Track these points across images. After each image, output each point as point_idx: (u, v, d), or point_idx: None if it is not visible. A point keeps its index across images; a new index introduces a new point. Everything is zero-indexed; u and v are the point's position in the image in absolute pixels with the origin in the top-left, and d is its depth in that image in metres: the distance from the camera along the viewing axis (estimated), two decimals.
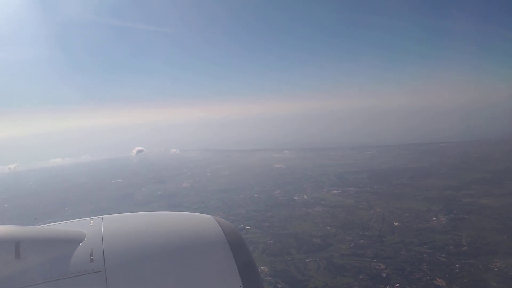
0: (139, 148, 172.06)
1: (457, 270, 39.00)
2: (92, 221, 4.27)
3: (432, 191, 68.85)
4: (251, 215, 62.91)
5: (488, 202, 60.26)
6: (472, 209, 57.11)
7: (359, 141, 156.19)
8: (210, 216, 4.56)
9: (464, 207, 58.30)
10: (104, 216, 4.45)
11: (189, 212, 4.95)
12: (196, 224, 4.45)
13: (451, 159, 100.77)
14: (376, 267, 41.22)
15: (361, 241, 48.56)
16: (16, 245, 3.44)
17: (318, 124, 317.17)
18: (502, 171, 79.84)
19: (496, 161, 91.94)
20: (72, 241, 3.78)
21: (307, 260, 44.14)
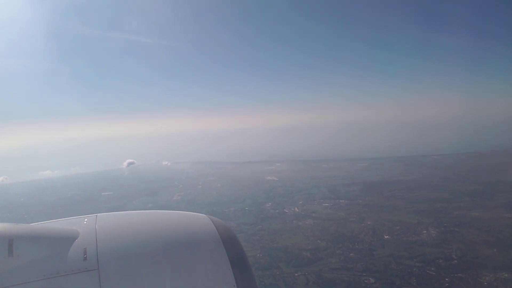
0: (130, 160, 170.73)
1: (447, 284, 38.65)
2: (86, 220, 4.23)
3: (423, 204, 68.70)
4: (241, 229, 62.16)
5: (478, 214, 60.18)
6: (463, 222, 56.94)
7: (351, 153, 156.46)
8: (204, 215, 4.54)
9: (454, 220, 58.12)
10: (98, 214, 4.40)
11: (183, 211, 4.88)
12: (190, 222, 4.44)
13: (442, 171, 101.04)
14: (365, 281, 40.72)
15: (351, 254, 48.04)
16: (9, 243, 3.39)
17: (310, 136, 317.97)
18: (492, 184, 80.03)
19: (487, 173, 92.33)
20: (65, 239, 3.73)
21: (296, 274, 43.53)
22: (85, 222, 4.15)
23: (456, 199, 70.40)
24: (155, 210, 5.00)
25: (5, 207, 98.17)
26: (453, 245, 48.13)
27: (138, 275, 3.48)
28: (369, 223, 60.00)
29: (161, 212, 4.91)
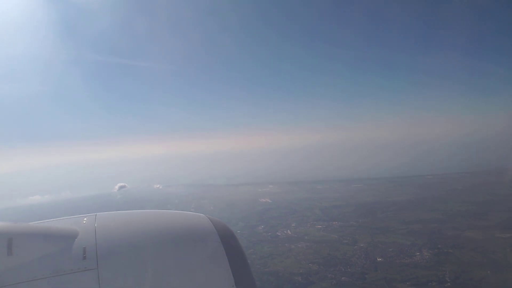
0: (122, 184, 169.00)
1: None
2: (85, 219, 4.19)
3: (417, 225, 67.96)
4: None
5: (472, 235, 59.48)
6: (457, 243, 56.18)
7: (345, 174, 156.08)
8: (203, 215, 4.52)
9: (448, 241, 57.35)
10: (97, 213, 4.36)
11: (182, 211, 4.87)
12: (189, 222, 4.43)
13: (436, 191, 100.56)
14: None
15: (343, 278, 47.09)
16: (8, 242, 3.38)
17: (304, 157, 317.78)
18: (486, 203, 79.55)
19: (481, 193, 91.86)
20: (65, 239, 3.70)
21: None
22: (84, 222, 4.11)
23: (450, 219, 69.77)
24: (154, 210, 4.93)
25: None
26: (446, 267, 47.33)
27: (137, 274, 3.47)
28: (362, 245, 59.08)
29: (160, 211, 4.88)
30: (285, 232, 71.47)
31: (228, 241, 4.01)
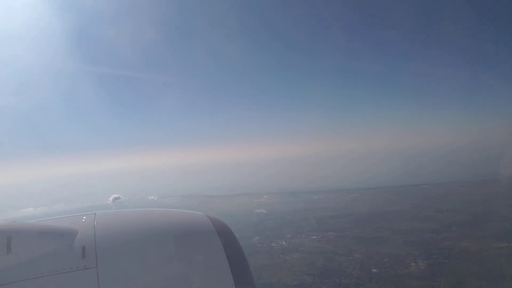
0: (116, 195, 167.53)
1: None
2: (84, 217, 4.17)
3: (412, 235, 67.51)
4: None
5: (468, 245, 59.05)
6: (452, 253, 55.71)
7: (341, 184, 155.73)
8: (202, 213, 4.52)
9: (443, 251, 56.89)
10: (96, 212, 4.35)
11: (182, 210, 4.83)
12: (189, 221, 4.44)
13: (432, 201, 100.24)
14: None
15: None
16: (8, 240, 3.36)
17: (300, 167, 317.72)
18: (482, 213, 79.25)
19: (477, 203, 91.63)
20: (64, 237, 3.69)
21: None
22: (83, 220, 4.09)
23: (445, 229, 69.36)
24: (153, 209, 4.96)
25: None
26: (442, 278, 46.81)
27: (136, 273, 3.46)
28: (357, 256, 58.51)
29: (160, 210, 4.88)
30: (280, 243, 70.81)
31: (227, 240, 4.02)
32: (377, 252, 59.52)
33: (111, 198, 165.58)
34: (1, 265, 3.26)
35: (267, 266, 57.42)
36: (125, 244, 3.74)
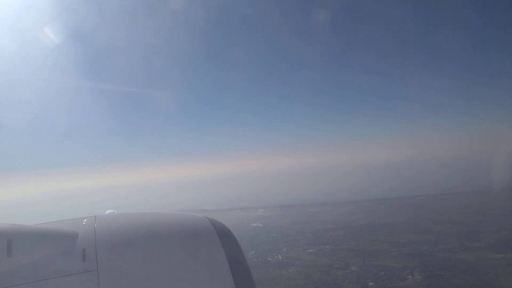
0: (111, 210, 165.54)
1: None
2: (85, 220, 4.15)
3: (409, 247, 67.28)
4: None
5: (464, 256, 58.93)
6: (448, 265, 55.54)
7: (338, 196, 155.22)
8: (203, 216, 4.49)
9: (440, 263, 56.71)
10: (97, 215, 4.33)
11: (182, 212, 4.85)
12: (189, 223, 4.41)
13: (428, 212, 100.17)
14: None
15: None
16: (8, 243, 3.34)
17: (297, 180, 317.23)
18: (478, 224, 79.27)
19: (472, 213, 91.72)
20: (64, 240, 3.67)
21: None
22: (84, 223, 4.07)
23: (442, 241, 69.21)
24: (154, 211, 4.94)
25: None
26: None
27: (137, 276, 3.45)
28: (353, 269, 58.15)
29: (160, 213, 4.86)
30: (275, 257, 70.24)
31: (227, 242, 4.00)
32: (374, 265, 59.22)
33: (106, 213, 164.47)
34: (2, 268, 3.24)
35: (263, 281, 56.81)
36: (125, 247, 3.73)
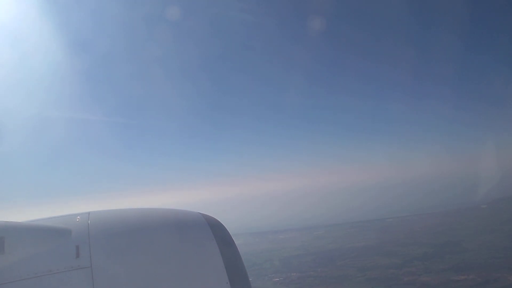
0: None
1: None
2: (78, 217, 4.09)
3: (375, 271, 66.65)
4: None
5: (428, 279, 58.82)
6: None
7: (308, 222, 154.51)
8: (198, 212, 4.44)
9: (404, 287, 56.00)
10: (90, 211, 4.23)
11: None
12: (184, 219, 4.38)
13: (395, 234, 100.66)
14: None
15: None
16: (1, 240, 3.33)
17: (266, 206, 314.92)
18: (443, 245, 79.96)
19: (438, 234, 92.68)
20: (57, 237, 3.64)
21: None
22: (77, 219, 4.01)
23: (407, 263, 68.92)
24: (148, 207, 4.88)
25: None
26: None
27: (131, 272, 3.42)
28: None
29: (155, 209, 4.81)
30: None
31: (222, 238, 3.97)
32: None
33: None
34: None
35: None
36: (119, 243, 3.67)
